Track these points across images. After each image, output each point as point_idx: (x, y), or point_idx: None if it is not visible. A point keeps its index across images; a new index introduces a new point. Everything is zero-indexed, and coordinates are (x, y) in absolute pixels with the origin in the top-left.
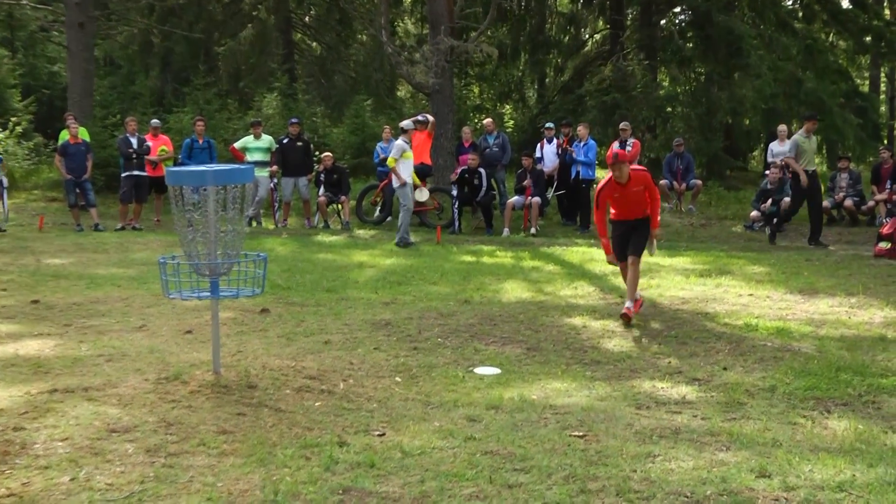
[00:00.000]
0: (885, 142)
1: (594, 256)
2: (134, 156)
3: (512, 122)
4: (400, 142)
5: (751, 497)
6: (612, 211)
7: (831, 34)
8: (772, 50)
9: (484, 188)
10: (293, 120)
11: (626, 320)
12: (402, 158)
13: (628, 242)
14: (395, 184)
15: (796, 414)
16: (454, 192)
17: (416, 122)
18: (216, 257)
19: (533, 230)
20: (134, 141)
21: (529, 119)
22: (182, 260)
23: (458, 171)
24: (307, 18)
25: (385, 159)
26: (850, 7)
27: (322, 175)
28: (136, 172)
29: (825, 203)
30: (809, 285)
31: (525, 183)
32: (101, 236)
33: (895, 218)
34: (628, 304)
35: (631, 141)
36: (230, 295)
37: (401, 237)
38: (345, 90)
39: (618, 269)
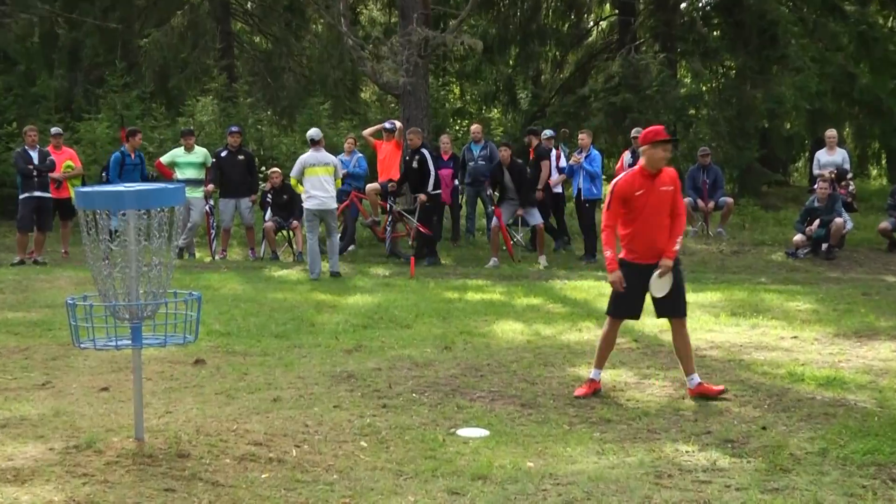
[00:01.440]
0: None
1: (603, 291)
2: (35, 173)
3: (501, 129)
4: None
5: None
6: (622, 232)
7: (890, 18)
8: (817, 38)
9: (431, 176)
10: (233, 128)
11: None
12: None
13: (644, 293)
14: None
15: (853, 483)
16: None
17: (383, 130)
18: (138, 297)
19: (542, 261)
20: (35, 155)
21: (522, 126)
22: (96, 301)
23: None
24: (249, 4)
25: (347, 174)
26: None
27: (269, 196)
28: (37, 193)
29: (884, 224)
30: (867, 325)
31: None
32: None
33: None
34: (696, 379)
35: None
36: (156, 343)
37: (335, 265)
38: (296, 92)
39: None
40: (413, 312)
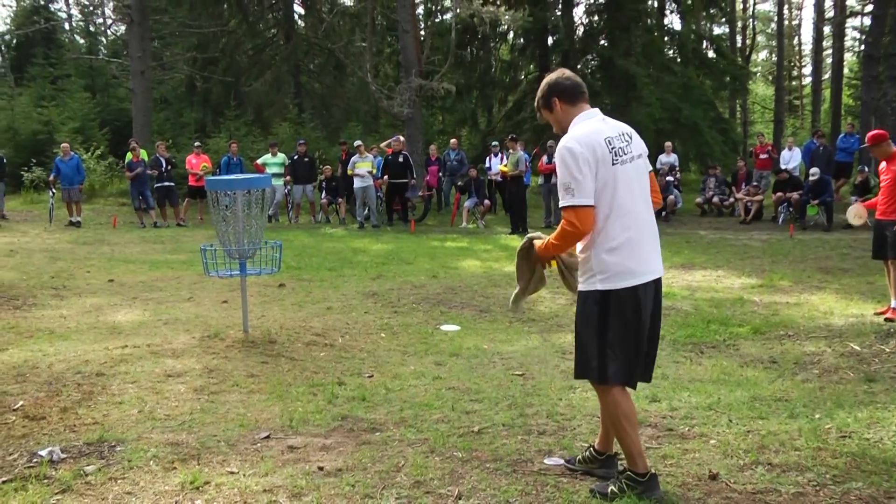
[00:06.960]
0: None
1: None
2: (165, 172)
3: (468, 142)
4: (356, 157)
5: (646, 416)
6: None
7: (700, 75)
8: (658, 86)
9: (413, 170)
10: (300, 141)
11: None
12: (357, 167)
13: (885, 242)
14: (359, 184)
15: (679, 355)
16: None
17: (393, 141)
18: (244, 244)
19: (482, 224)
20: (163, 160)
21: (480, 139)
22: (218, 247)
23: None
24: (311, 66)
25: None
26: (714, 57)
27: (324, 182)
28: (165, 184)
29: (698, 199)
30: (689, 260)
31: (459, 184)
32: (159, 231)
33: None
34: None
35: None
36: (255, 273)
37: (373, 220)
38: (340, 119)
39: None
40: (413, 254)
